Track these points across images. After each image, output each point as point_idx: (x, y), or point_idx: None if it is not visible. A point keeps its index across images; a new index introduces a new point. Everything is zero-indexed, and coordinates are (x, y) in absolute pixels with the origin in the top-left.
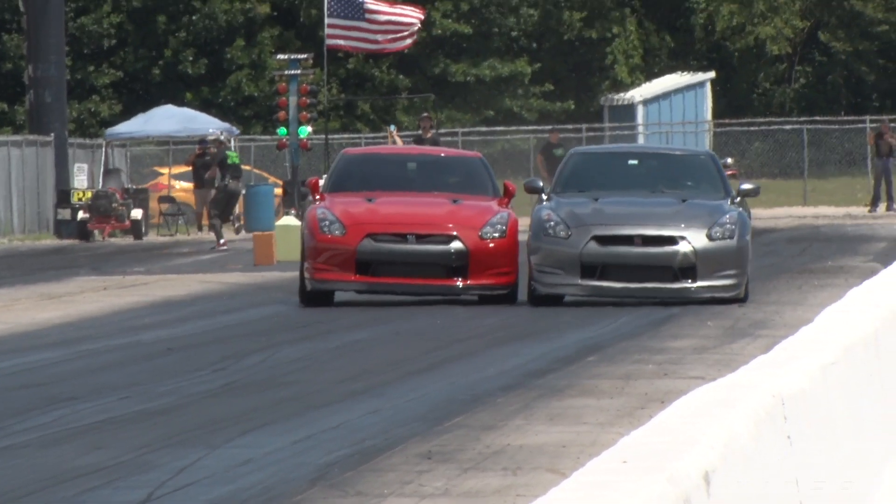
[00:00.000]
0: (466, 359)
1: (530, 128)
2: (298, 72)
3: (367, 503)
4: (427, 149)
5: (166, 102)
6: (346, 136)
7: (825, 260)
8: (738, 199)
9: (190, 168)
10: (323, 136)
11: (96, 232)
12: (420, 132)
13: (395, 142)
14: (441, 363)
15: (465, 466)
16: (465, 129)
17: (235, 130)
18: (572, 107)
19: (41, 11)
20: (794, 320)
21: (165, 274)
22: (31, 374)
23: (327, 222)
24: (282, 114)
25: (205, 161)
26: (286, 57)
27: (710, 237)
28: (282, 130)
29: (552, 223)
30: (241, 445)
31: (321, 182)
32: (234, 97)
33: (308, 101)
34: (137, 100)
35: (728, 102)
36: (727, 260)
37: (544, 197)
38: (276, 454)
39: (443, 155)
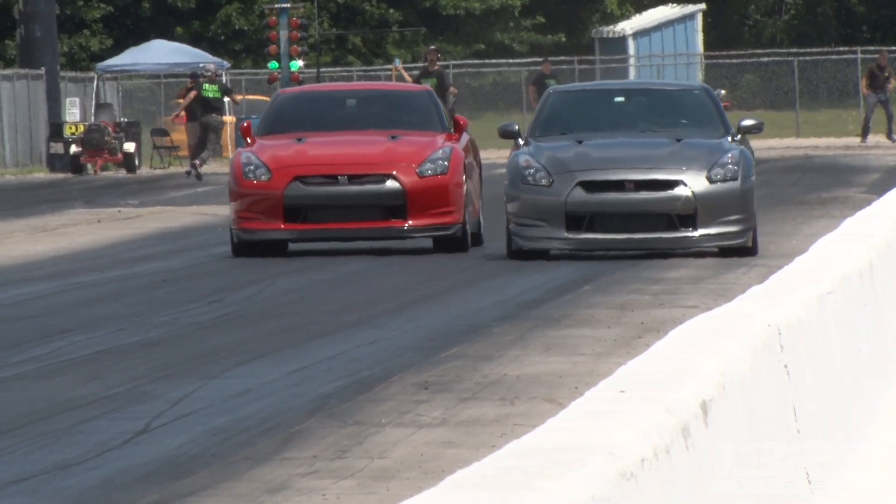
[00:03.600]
0: (462, 290)
1: (521, 60)
2: (289, 5)
3: (365, 433)
4: (369, 84)
5: (157, 37)
6: (337, 69)
7: (819, 191)
8: (739, 136)
9: (182, 101)
10: (314, 70)
11: (89, 165)
12: (426, 64)
13: (403, 77)
14: (437, 294)
15: (462, 396)
16: (457, 62)
17: (226, 64)
18: (563, 39)
19: None
20: (790, 250)
21: (159, 206)
22: (26, 306)
23: (252, 167)
24: (272, 48)
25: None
26: None
27: (710, 179)
28: (273, 64)
29: (532, 170)
30: (238, 376)
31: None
32: (225, 31)
33: (299, 34)
34: (128, 34)
35: (719, 35)
36: (731, 204)
37: (521, 142)
38: (273, 385)
39: (386, 90)
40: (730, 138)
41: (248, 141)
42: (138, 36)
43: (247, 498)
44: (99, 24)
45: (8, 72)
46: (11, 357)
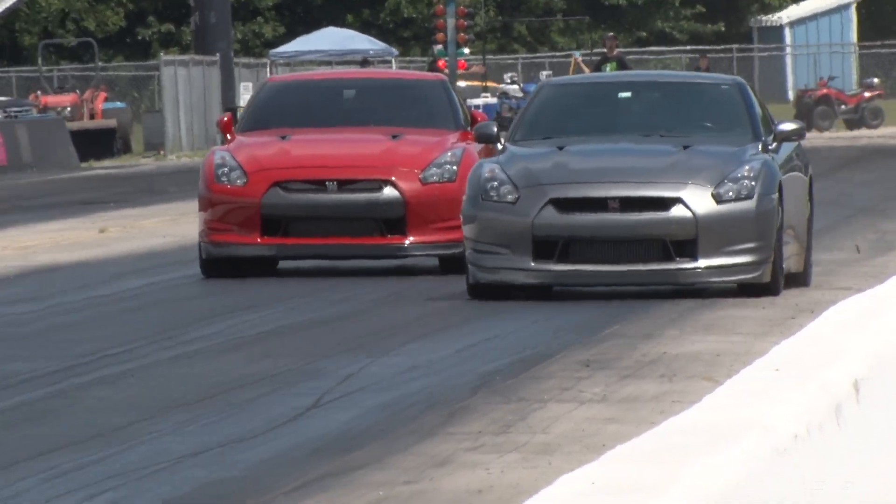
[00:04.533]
0: None
1: (682, 48)
2: None
3: (528, 408)
4: (372, 72)
5: (328, 24)
6: (502, 56)
7: None
8: (774, 144)
9: None
10: (480, 57)
11: None
12: (605, 50)
13: (581, 69)
14: None
15: (622, 374)
16: (620, 50)
17: (395, 51)
18: (722, 28)
19: None
20: None
21: None
22: (203, 285)
23: (225, 169)
24: (440, 35)
25: None
26: None
27: (717, 197)
28: (440, 51)
29: (495, 183)
30: (404, 354)
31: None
32: (394, 19)
33: (465, 23)
34: (300, 21)
35: (873, 24)
36: (743, 229)
37: (500, 147)
38: (438, 363)
39: (391, 79)
40: (760, 146)
41: (228, 137)
42: (309, 23)
43: (414, 471)
44: (272, 11)
45: (184, 57)
46: (183, 335)
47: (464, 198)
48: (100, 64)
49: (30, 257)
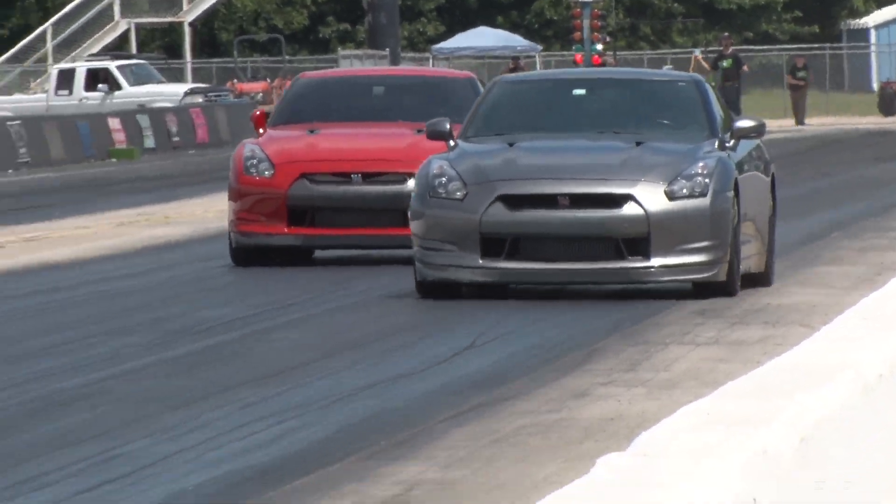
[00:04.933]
0: None
1: (782, 47)
2: (590, 0)
3: (652, 350)
4: (403, 69)
5: (481, 24)
6: (630, 53)
7: None
8: (731, 141)
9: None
10: (611, 53)
11: None
12: (721, 48)
13: (702, 66)
14: None
15: (732, 321)
16: (734, 48)
17: (538, 48)
18: (817, 30)
19: None
20: None
21: None
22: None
23: (254, 161)
24: (577, 34)
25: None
26: None
27: (670, 195)
28: (577, 48)
29: (443, 179)
30: (540, 306)
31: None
32: (538, 20)
33: (599, 23)
34: (458, 21)
35: None
36: (696, 227)
37: (452, 144)
38: (572, 312)
39: (421, 76)
40: (717, 143)
41: (260, 132)
42: (466, 23)
43: (555, 402)
44: (434, 12)
45: (358, 52)
46: (353, 287)
47: (412, 194)
48: (286, 57)
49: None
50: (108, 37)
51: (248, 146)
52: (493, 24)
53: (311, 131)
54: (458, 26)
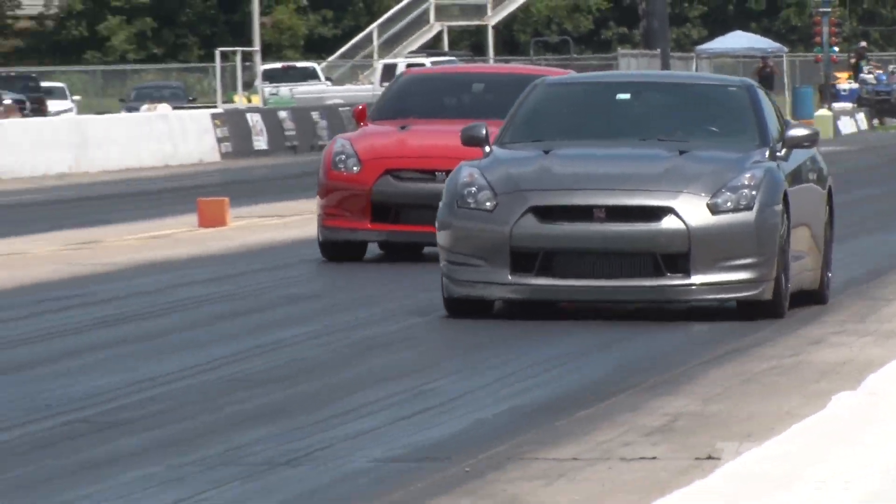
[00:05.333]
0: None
1: None
2: (829, 9)
3: (878, 305)
4: (501, 67)
5: (737, 28)
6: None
7: None
8: (783, 150)
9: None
10: (845, 55)
11: None
12: None
13: None
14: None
15: None
16: None
17: (785, 49)
18: None
19: None
20: None
21: None
22: None
23: (343, 156)
24: (817, 38)
25: (765, 73)
26: None
27: (714, 208)
28: (817, 49)
29: (473, 188)
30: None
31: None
32: (784, 26)
33: (836, 30)
34: (718, 26)
35: None
36: (741, 242)
37: (487, 149)
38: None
39: (526, 74)
40: (768, 152)
41: (361, 125)
42: (724, 28)
43: (796, 347)
44: (698, 19)
45: (635, 52)
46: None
47: (440, 203)
48: (574, 56)
49: None
50: (424, 37)
51: (340, 141)
52: (747, 29)
53: (403, 127)
54: (718, 30)
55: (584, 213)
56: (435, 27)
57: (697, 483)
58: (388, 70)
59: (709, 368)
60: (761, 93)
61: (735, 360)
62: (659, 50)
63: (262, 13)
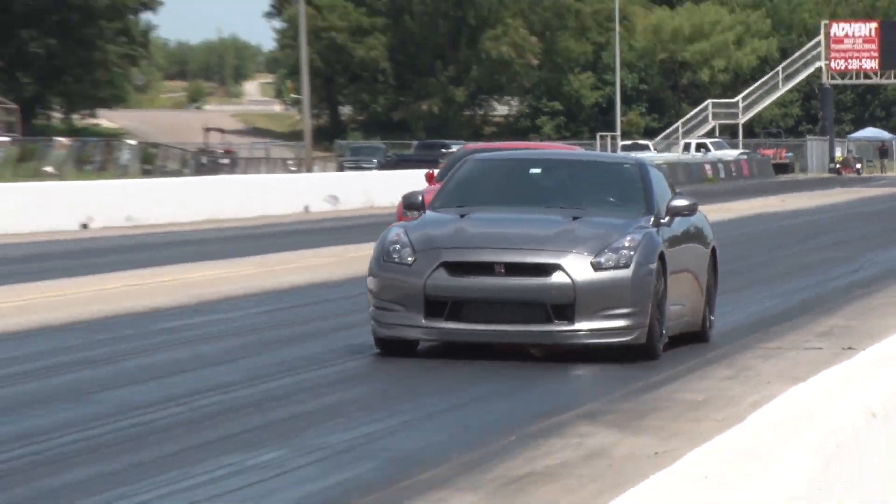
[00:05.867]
0: None
1: None
2: None
3: None
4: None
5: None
6: None
7: None
8: (666, 217)
9: None
10: None
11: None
12: None
13: None
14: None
15: None
16: None
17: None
18: None
19: None
20: None
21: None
22: None
23: (397, 245)
24: None
25: (882, 149)
26: None
27: (596, 266)
28: None
29: (397, 245)
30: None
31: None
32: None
33: None
34: (861, 122)
35: None
36: (618, 295)
37: (419, 214)
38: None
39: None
40: (652, 220)
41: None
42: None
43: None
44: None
45: (814, 137)
46: None
47: (371, 256)
48: (783, 138)
49: None
50: (704, 128)
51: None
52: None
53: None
54: (860, 125)
55: (487, 269)
56: (711, 123)
57: None
58: (686, 145)
59: (762, 340)
60: (653, 170)
61: (784, 335)
62: (828, 136)
63: (623, 114)
